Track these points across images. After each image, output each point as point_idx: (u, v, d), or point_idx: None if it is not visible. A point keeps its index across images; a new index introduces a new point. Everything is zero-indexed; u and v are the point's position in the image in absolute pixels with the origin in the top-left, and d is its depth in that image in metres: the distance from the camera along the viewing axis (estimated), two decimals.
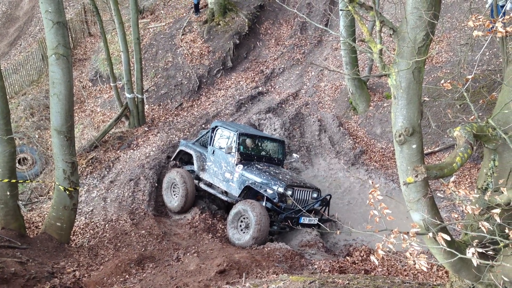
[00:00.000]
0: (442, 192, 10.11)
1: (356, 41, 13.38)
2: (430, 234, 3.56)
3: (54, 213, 8.93)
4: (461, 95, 9.54)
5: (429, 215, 3.60)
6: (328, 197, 10.20)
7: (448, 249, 3.31)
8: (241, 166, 10.35)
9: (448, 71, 12.84)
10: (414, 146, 3.56)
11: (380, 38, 3.47)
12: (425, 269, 3.28)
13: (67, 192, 8.81)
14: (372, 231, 3.51)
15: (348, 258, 9.17)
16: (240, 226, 9.68)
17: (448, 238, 3.45)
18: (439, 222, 3.58)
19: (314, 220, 9.88)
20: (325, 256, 9.28)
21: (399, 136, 3.53)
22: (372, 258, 3.27)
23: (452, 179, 3.70)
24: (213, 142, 11.01)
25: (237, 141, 10.49)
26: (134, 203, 11.17)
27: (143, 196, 11.43)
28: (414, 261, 3.32)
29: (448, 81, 3.94)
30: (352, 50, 13.08)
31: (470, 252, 2.94)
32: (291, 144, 13.18)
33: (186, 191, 10.92)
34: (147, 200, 11.32)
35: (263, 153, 11.06)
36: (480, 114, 10.01)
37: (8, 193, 8.47)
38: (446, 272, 8.34)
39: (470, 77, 4.10)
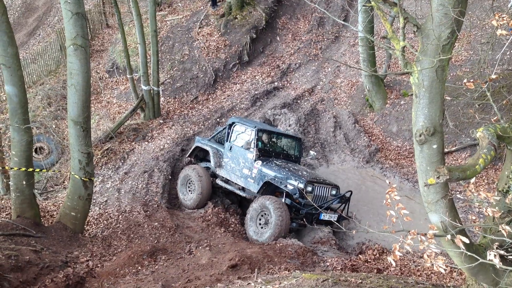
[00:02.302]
0: (459, 192, 9.99)
1: (375, 37, 13.23)
2: (448, 237, 3.49)
3: (69, 202, 9.00)
4: (480, 94, 9.39)
5: (448, 217, 3.53)
6: (348, 194, 10.10)
7: (467, 252, 3.25)
8: (260, 162, 10.32)
9: (468, 70, 12.63)
10: (434, 146, 3.49)
11: (404, 35, 3.40)
12: (443, 271, 3.22)
13: (82, 182, 8.86)
14: (389, 232, 3.45)
15: (360, 256, 9.10)
16: (260, 221, 9.64)
17: (467, 241, 3.38)
18: (458, 224, 3.51)
19: (334, 217, 9.80)
20: (337, 253, 9.22)
21: (420, 135, 3.46)
22: (389, 259, 3.21)
23: (472, 180, 3.62)
24: (230, 138, 10.98)
25: (256, 137, 10.45)
26: (147, 195, 11.22)
27: (157, 188, 11.48)
28: (432, 263, 3.26)
29: (472, 80, 3.84)
30: (370, 47, 12.94)
31: (491, 255, 2.87)
32: (306, 140, 13.11)
33: (201, 188, 10.93)
34: (160, 192, 11.37)
35: (280, 149, 11.03)
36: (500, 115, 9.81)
37: (24, 182, 8.54)
38: (461, 274, 8.22)
39: (494, 76, 4.00)
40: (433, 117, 3.45)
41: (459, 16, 3.22)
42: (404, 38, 3.41)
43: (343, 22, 4.77)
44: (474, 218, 5.01)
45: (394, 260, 3.20)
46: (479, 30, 14.34)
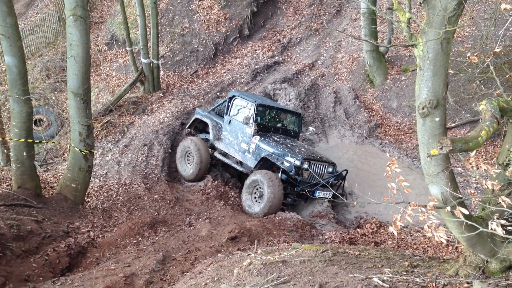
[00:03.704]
0: (458, 167, 10.05)
1: (378, 10, 13.09)
2: (448, 208, 3.53)
3: (69, 174, 9.04)
4: (482, 70, 9.36)
5: (449, 188, 3.57)
6: (344, 172, 10.19)
7: (469, 222, 3.29)
8: (258, 137, 10.33)
9: (470, 46, 12.55)
10: (437, 119, 3.49)
11: (410, 7, 3.37)
12: (444, 242, 3.27)
13: (83, 154, 8.89)
14: (390, 203, 3.49)
15: (358, 230, 9.22)
16: (255, 194, 9.74)
17: (466, 212, 3.42)
18: (459, 196, 3.55)
19: (329, 194, 9.91)
20: (335, 227, 9.34)
21: (423, 108, 3.46)
22: (391, 229, 3.25)
23: (473, 153, 3.65)
24: (229, 111, 10.96)
25: (255, 111, 10.43)
26: (147, 168, 11.27)
27: (157, 161, 11.51)
28: (432, 233, 3.31)
29: (475, 54, 3.82)
30: (372, 21, 12.82)
31: (494, 225, 2.92)
32: (306, 115, 13.11)
33: (200, 159, 10.96)
34: (160, 165, 11.41)
35: (279, 125, 11.01)
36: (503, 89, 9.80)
37: (24, 153, 8.56)
38: (457, 248, 8.36)
39: (497, 50, 3.98)
40: (437, 90, 3.45)
41: None
42: (410, 10, 3.38)
43: None
44: (472, 192, 5.06)
45: (395, 230, 3.25)
46: (482, 6, 14.19)
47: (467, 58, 3.99)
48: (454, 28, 3.23)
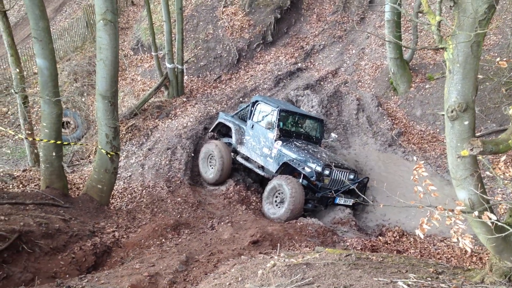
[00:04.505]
0: (486, 172, 9.91)
1: (402, 13, 13.04)
2: (476, 213, 3.51)
3: (96, 175, 9.20)
4: (509, 78, 9.24)
5: (476, 193, 3.55)
6: (365, 180, 10.15)
7: (498, 222, 3.27)
8: (280, 142, 10.37)
9: (496, 54, 12.40)
10: (466, 122, 3.49)
11: (440, 10, 3.39)
12: (469, 249, 3.25)
13: (109, 156, 9.05)
14: (417, 206, 3.49)
15: (380, 238, 9.15)
16: (275, 201, 9.76)
17: (494, 218, 3.40)
18: (487, 200, 3.53)
19: (350, 201, 9.88)
20: (357, 234, 9.28)
21: (452, 111, 3.46)
22: (417, 232, 3.26)
23: (503, 159, 3.63)
24: (252, 116, 11.04)
25: (278, 117, 10.48)
26: (170, 171, 11.40)
27: (180, 165, 11.64)
28: (458, 239, 3.30)
29: (505, 59, 3.81)
30: (397, 28, 12.77)
31: None
32: (328, 122, 13.10)
33: (222, 163, 11.04)
34: (183, 169, 11.54)
35: (301, 130, 11.04)
36: None
37: (53, 154, 8.76)
38: (481, 259, 8.23)
39: None
40: (466, 93, 3.45)
41: None
42: (441, 13, 3.40)
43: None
44: (499, 198, 5.01)
45: (422, 233, 3.25)
46: (508, 14, 14.02)
47: (496, 64, 3.98)
48: (485, 31, 3.24)
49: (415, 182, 3.80)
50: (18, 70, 10.26)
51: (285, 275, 4.52)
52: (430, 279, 4.50)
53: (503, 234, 3.20)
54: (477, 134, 11.43)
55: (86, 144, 12.84)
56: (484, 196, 3.46)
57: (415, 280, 4.22)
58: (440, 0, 3.39)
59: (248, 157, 11.17)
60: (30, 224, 6.80)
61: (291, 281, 4.30)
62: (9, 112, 14.89)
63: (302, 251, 6.71)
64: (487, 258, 7.56)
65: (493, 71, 10.26)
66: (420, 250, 8.72)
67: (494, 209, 6.95)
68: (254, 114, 11.03)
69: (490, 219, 3.37)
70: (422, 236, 3.29)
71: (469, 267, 6.50)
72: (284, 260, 5.20)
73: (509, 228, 3.12)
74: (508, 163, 10.20)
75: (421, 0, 3.58)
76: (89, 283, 5.67)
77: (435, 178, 10.85)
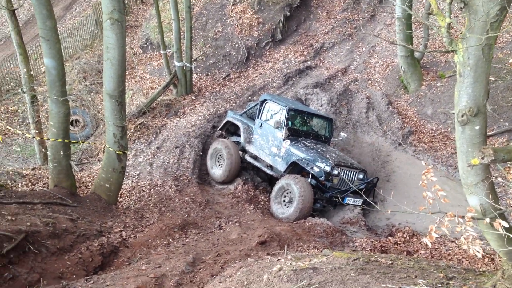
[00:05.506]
0: (495, 177, 9.74)
1: (413, 15, 12.86)
2: (487, 220, 3.41)
3: (103, 174, 9.21)
4: None
5: (489, 200, 3.45)
6: (375, 180, 10.05)
7: (510, 234, 3.17)
8: (289, 141, 10.29)
9: (510, 52, 12.17)
10: (477, 127, 3.39)
11: (450, 11, 3.29)
12: (479, 255, 3.16)
13: (117, 155, 9.04)
14: (426, 212, 3.40)
15: (390, 238, 9.04)
16: (284, 200, 9.70)
17: (506, 225, 3.30)
18: (499, 207, 3.43)
19: (359, 202, 9.79)
20: (366, 234, 9.19)
21: (462, 116, 3.36)
22: (425, 240, 3.17)
23: None
24: (261, 115, 10.97)
25: (286, 116, 10.40)
26: (178, 170, 11.38)
27: (188, 163, 11.62)
28: (468, 246, 3.21)
29: None
30: (408, 26, 12.59)
31: None
32: (338, 121, 12.98)
33: (230, 162, 11.00)
34: (191, 168, 11.51)
35: (310, 129, 10.95)
36: None
37: (61, 153, 8.76)
38: (493, 260, 8.09)
39: None
40: (477, 97, 3.35)
41: None
42: (450, 15, 3.29)
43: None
44: (511, 203, 4.89)
45: (430, 241, 3.16)
46: None
47: (508, 65, 3.87)
48: (497, 34, 3.13)
49: (424, 187, 3.70)
50: (26, 69, 10.28)
51: (291, 280, 4.45)
52: (440, 285, 4.40)
53: None
54: (490, 133, 11.29)
55: (94, 143, 12.87)
56: (495, 205, 3.36)
57: (424, 286, 4.13)
58: (450, 2, 3.29)
59: (257, 156, 11.11)
60: (37, 224, 6.81)
61: (297, 287, 4.23)
62: (18, 111, 14.98)
63: (310, 253, 6.63)
64: (499, 259, 7.42)
65: (506, 70, 10.07)
66: (430, 251, 8.60)
67: (507, 214, 6.82)
68: (262, 113, 10.96)
69: (502, 226, 3.27)
70: (429, 245, 3.20)
71: (481, 269, 6.38)
72: (290, 264, 5.13)
73: None
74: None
75: (430, 2, 3.48)
76: (94, 284, 5.65)
77: (449, 178, 10.68)
